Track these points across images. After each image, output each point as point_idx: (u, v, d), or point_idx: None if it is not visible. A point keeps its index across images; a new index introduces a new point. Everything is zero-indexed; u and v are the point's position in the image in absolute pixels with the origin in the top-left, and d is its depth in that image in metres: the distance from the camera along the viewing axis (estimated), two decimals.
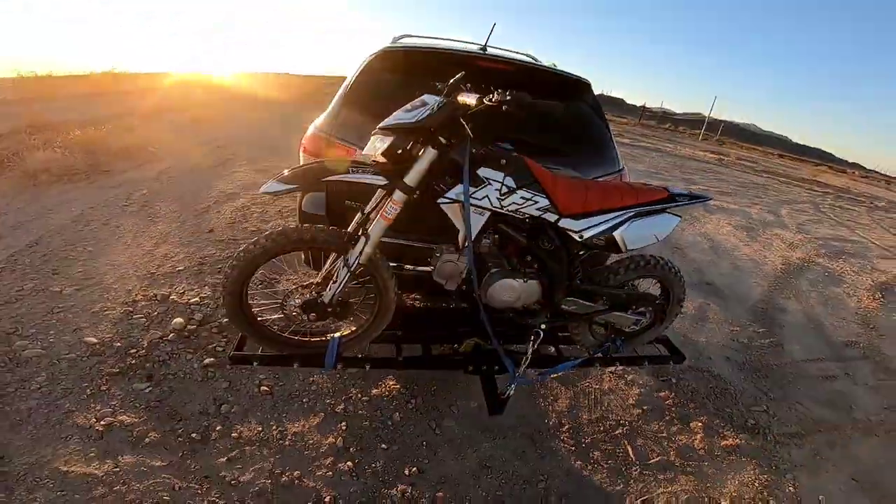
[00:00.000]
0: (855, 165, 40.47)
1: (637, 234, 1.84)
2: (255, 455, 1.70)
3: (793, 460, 2.14)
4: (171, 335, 2.22)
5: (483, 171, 1.64)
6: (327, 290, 1.70)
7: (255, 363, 1.81)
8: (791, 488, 1.98)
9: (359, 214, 1.71)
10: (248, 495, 1.55)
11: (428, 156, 1.58)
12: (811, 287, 4.49)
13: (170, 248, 3.12)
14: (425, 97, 1.60)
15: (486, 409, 1.96)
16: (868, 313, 4.09)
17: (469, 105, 1.54)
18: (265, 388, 2.00)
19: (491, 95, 1.49)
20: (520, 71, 2.25)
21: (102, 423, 1.72)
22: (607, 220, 1.79)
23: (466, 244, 1.71)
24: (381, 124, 1.58)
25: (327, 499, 1.57)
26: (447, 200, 1.65)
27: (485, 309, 1.78)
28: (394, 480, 1.70)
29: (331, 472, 1.68)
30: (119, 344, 2.13)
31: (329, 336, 1.89)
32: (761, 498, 1.91)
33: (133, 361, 2.03)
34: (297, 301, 1.74)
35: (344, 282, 1.68)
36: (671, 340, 2.38)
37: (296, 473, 1.65)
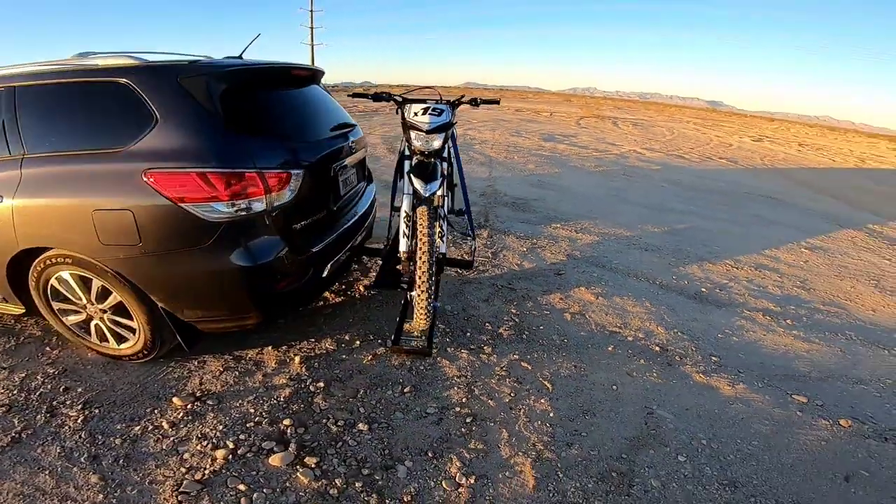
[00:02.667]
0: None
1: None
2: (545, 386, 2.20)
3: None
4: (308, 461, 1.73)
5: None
6: (442, 244, 2.31)
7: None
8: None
9: (407, 201, 2.40)
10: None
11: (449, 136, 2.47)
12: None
13: None
14: (437, 104, 2.38)
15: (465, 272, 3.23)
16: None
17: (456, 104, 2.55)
18: (433, 409, 2.05)
19: (461, 98, 2.59)
20: (310, 72, 2.65)
21: None
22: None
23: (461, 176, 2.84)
24: (429, 128, 2.31)
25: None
26: (452, 154, 2.72)
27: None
28: (520, 328, 2.70)
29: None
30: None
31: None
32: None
33: None
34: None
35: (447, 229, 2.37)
36: None
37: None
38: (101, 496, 1.54)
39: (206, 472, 1.65)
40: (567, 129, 13.90)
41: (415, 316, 2.30)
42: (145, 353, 2.18)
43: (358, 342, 2.46)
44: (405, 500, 1.59)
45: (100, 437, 1.79)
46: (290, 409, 1.97)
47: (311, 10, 36.20)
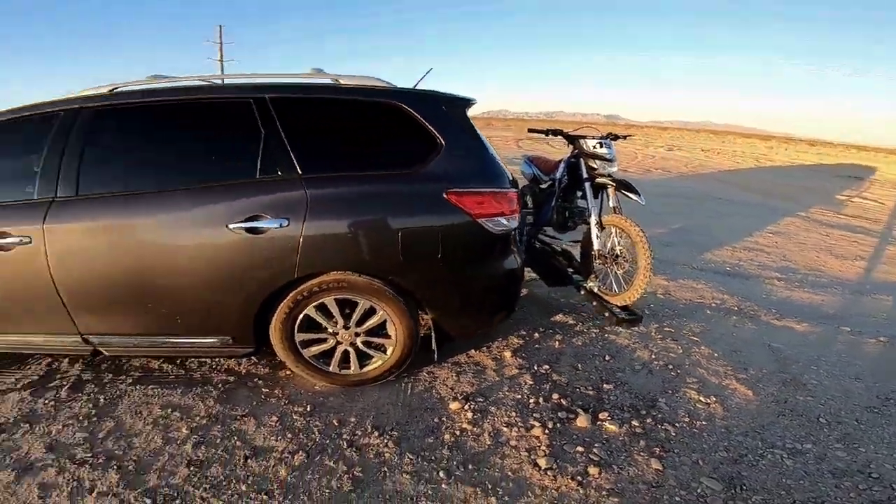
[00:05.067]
0: None
1: None
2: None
3: None
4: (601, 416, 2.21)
5: None
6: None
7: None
8: None
9: (595, 212, 3.21)
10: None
11: None
12: None
13: None
14: (604, 140, 3.24)
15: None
16: None
17: None
18: (639, 366, 2.71)
19: (611, 134, 3.47)
20: None
21: None
22: None
23: None
24: (612, 157, 3.19)
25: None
26: None
27: None
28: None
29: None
30: None
31: None
32: None
33: None
34: None
35: None
36: None
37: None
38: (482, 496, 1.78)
39: (543, 447, 1.99)
40: (516, 152, 15.20)
41: (631, 292, 2.93)
42: (396, 369, 2.35)
43: (536, 335, 2.96)
44: (686, 420, 2.22)
45: (426, 453, 1.98)
46: (545, 389, 2.44)
47: (221, 42, 32.59)
